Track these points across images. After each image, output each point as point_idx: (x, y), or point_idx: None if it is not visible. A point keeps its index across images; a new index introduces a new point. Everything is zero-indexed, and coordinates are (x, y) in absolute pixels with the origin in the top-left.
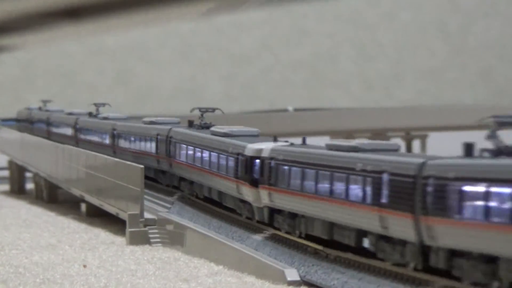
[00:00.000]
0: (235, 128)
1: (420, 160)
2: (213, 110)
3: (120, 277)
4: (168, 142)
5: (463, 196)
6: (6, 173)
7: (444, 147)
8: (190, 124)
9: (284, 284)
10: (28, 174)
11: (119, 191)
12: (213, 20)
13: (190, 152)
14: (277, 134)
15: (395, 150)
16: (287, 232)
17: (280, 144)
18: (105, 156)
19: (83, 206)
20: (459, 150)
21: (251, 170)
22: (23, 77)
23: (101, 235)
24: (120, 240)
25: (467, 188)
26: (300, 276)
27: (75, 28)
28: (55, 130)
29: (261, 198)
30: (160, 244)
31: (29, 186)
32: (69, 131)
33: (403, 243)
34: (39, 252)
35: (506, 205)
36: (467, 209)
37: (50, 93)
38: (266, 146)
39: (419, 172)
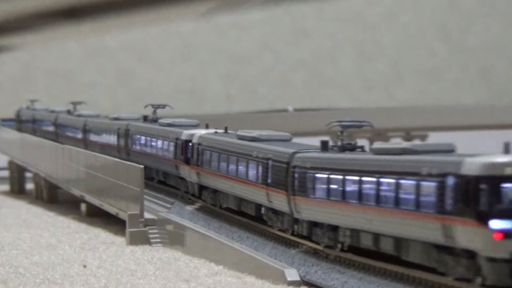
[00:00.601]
0: (177, 120)
1: (291, 151)
2: (164, 106)
3: (120, 277)
4: (126, 135)
5: (315, 181)
6: (6, 173)
7: None
8: (145, 118)
9: (284, 284)
10: (28, 174)
11: (119, 191)
12: (213, 20)
13: (143, 141)
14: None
15: (287, 140)
16: (212, 204)
17: (208, 132)
18: (105, 156)
19: (83, 206)
20: (459, 150)
21: (186, 152)
22: (23, 77)
23: (101, 235)
24: (120, 240)
25: (318, 175)
26: (300, 276)
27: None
28: (39, 127)
29: (192, 176)
30: (160, 244)
31: (29, 186)
32: (50, 128)
33: (283, 214)
34: (39, 252)
35: (341, 188)
36: (317, 191)
37: (50, 93)
38: (196, 133)
39: (289, 161)
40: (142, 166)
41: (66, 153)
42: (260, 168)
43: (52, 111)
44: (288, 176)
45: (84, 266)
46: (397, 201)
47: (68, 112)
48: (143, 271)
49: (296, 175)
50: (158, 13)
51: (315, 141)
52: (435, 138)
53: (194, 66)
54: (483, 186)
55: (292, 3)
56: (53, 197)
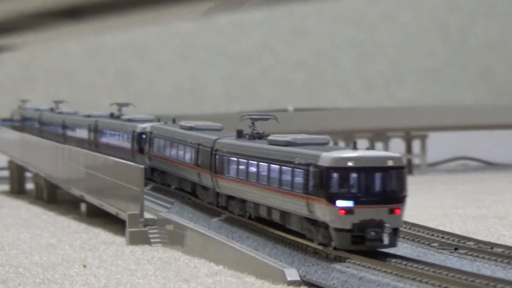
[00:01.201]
0: (137, 116)
1: (214, 138)
2: (128, 105)
3: (120, 277)
4: (95, 130)
5: (229, 162)
6: (6, 173)
7: (444, 147)
8: (111, 115)
9: (284, 284)
10: (28, 174)
11: (119, 191)
12: (213, 20)
13: (108, 135)
14: (277, 134)
15: (218, 129)
16: (162, 184)
17: (158, 123)
18: (105, 156)
19: (83, 206)
20: (459, 150)
21: (140, 142)
22: (23, 77)
23: (101, 235)
24: (120, 240)
25: (231, 158)
26: (300, 276)
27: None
28: (27, 125)
29: (145, 161)
30: (160, 244)
31: (29, 186)
32: (36, 125)
33: (209, 189)
34: (39, 252)
35: (245, 170)
36: (231, 171)
37: (50, 93)
38: (149, 124)
39: (213, 146)
40: (142, 166)
41: (66, 153)
42: (193, 153)
43: (37, 110)
44: (211, 159)
45: (84, 266)
46: (280, 183)
47: (51, 110)
48: (143, 271)
49: (216, 158)
50: (158, 13)
51: None
52: (435, 138)
53: (194, 66)
54: (331, 174)
55: (292, 3)
56: (53, 197)
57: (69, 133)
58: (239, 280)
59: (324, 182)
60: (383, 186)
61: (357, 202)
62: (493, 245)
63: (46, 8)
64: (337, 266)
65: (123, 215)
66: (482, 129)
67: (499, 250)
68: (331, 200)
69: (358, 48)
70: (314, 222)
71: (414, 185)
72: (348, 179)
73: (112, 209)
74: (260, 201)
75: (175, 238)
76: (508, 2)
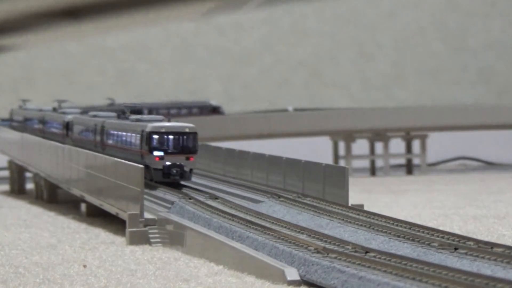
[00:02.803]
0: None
1: (103, 120)
2: (65, 100)
3: (120, 277)
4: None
5: (108, 134)
6: (6, 173)
7: (444, 147)
8: (54, 109)
9: (284, 284)
10: (28, 174)
11: (119, 191)
12: (214, 20)
13: (49, 125)
14: (277, 134)
15: (111, 116)
16: None
17: (79, 114)
18: (105, 156)
19: (83, 206)
20: (459, 150)
21: (67, 129)
22: (23, 77)
23: (101, 235)
24: (120, 240)
25: (110, 131)
26: (300, 276)
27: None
28: (17, 124)
29: (68, 142)
30: (160, 244)
31: (29, 186)
32: (21, 123)
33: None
34: (39, 252)
35: (115, 136)
36: (109, 138)
37: (50, 93)
38: (73, 115)
39: (102, 125)
40: (142, 166)
41: (66, 153)
42: (94, 131)
43: (25, 109)
44: (101, 133)
45: (84, 266)
46: (130, 143)
47: (19, 107)
48: (143, 271)
49: (104, 132)
50: (158, 13)
51: (315, 141)
52: (435, 138)
53: (194, 66)
54: (151, 136)
55: (292, 3)
56: (53, 197)
57: (48, 129)
58: (239, 280)
59: (147, 141)
60: (181, 143)
61: (165, 152)
62: (493, 245)
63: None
64: (337, 266)
65: (123, 215)
66: (482, 129)
67: (499, 250)
68: (151, 151)
69: (358, 48)
70: (146, 167)
71: (414, 185)
72: (161, 139)
73: (112, 209)
74: (118, 154)
75: (175, 238)
76: (508, 2)
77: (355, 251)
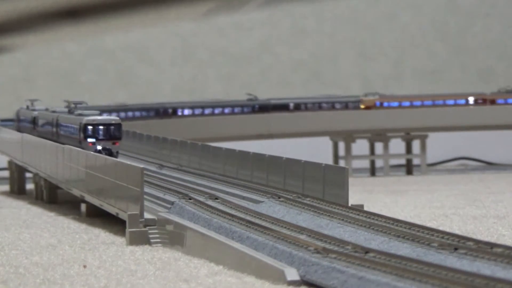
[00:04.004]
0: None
1: (57, 115)
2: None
3: (120, 278)
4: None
5: (61, 125)
6: (6, 173)
7: (444, 147)
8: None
9: (284, 284)
10: (28, 175)
11: (119, 191)
12: (213, 20)
13: (24, 121)
14: (277, 134)
15: (66, 111)
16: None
17: (44, 111)
18: (105, 156)
19: (83, 206)
20: (459, 150)
21: (33, 122)
22: (23, 77)
23: (101, 235)
24: (120, 240)
25: (63, 123)
26: (300, 276)
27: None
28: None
29: (34, 133)
30: (160, 244)
31: (29, 186)
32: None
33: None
34: (39, 253)
35: (65, 126)
36: (62, 129)
37: (50, 93)
38: (39, 111)
39: (57, 118)
40: (142, 166)
41: (66, 153)
42: (51, 123)
43: (18, 109)
44: (56, 124)
45: (84, 267)
46: (72, 132)
47: (27, 107)
48: (143, 271)
49: (58, 123)
50: (158, 13)
51: (315, 141)
52: (435, 138)
53: (194, 66)
54: (86, 127)
55: (292, 3)
56: (53, 197)
57: (37, 127)
58: (239, 280)
59: (83, 131)
60: (109, 132)
61: (96, 139)
62: (493, 245)
63: (46, 8)
64: (337, 266)
65: (123, 215)
66: (482, 129)
67: (499, 250)
68: (86, 138)
69: (358, 48)
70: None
71: (414, 185)
72: (93, 129)
73: (112, 209)
74: (66, 142)
75: (175, 238)
76: (508, 2)
77: (355, 251)
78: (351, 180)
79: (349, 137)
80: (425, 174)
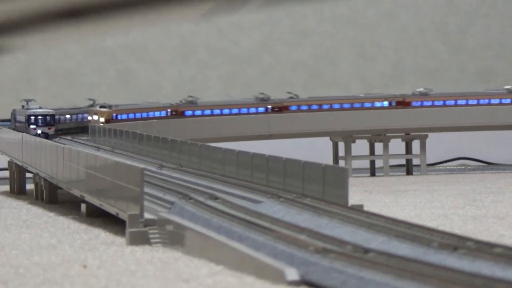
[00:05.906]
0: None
1: (28, 112)
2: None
3: (120, 278)
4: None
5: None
6: (6, 173)
7: (444, 147)
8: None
9: (284, 284)
10: (28, 175)
11: (119, 191)
12: (213, 20)
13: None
14: (277, 133)
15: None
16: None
17: (21, 108)
18: (105, 157)
19: (83, 207)
20: (459, 150)
21: (29, 121)
22: (23, 77)
23: (101, 236)
24: (120, 240)
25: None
26: (300, 276)
27: (75, 28)
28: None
29: (19, 128)
30: (160, 244)
31: (29, 186)
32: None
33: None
34: (39, 253)
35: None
36: (39, 122)
37: (50, 93)
38: (31, 110)
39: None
40: (142, 166)
41: (66, 153)
42: (24, 119)
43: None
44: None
45: (84, 267)
46: (24, 123)
47: (22, 107)
48: (143, 272)
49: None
50: (158, 14)
51: (315, 141)
52: (435, 138)
53: (194, 66)
54: (29, 118)
55: (292, 3)
56: (53, 197)
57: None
58: (239, 280)
59: (27, 120)
60: (45, 120)
61: (37, 125)
62: (493, 245)
63: (46, 8)
64: (337, 266)
65: (123, 215)
66: (482, 129)
67: (499, 250)
68: (29, 125)
69: (358, 48)
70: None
71: (414, 185)
72: (35, 119)
73: (112, 209)
74: (24, 130)
75: (175, 238)
76: (508, 2)
77: (355, 251)
78: (351, 180)
79: (349, 137)
80: (425, 174)
